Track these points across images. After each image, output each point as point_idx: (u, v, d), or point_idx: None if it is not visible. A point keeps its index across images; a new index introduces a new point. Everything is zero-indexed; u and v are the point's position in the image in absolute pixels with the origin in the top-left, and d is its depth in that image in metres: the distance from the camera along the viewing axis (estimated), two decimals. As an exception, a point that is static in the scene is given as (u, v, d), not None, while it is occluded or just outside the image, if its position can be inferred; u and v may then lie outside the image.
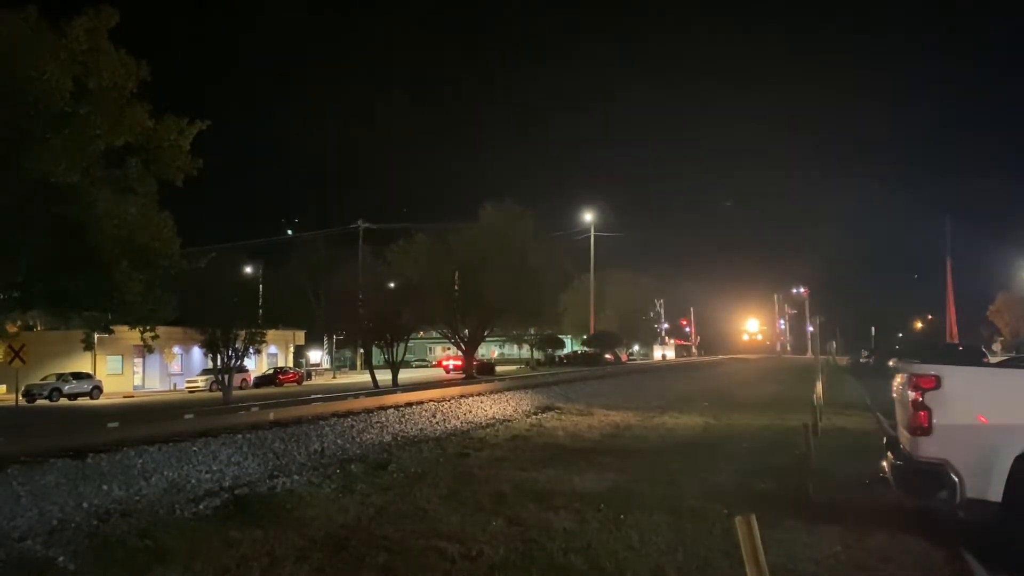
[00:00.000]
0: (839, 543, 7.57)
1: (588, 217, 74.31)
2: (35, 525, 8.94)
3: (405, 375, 43.94)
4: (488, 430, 18.46)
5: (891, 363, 10.02)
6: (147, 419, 19.14)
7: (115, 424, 16.46)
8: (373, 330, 41.76)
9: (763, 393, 30.34)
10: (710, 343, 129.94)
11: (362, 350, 54.24)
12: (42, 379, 42.79)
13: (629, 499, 9.91)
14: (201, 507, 10.17)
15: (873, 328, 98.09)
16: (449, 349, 66.32)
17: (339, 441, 15.47)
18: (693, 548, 7.52)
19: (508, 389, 27.10)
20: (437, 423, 18.83)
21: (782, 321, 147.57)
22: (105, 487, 10.59)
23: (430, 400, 21.89)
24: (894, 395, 8.96)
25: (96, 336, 30.53)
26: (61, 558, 7.75)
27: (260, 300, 45.38)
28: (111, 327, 27.95)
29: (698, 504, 9.39)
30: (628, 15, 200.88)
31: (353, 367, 74.17)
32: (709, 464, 12.73)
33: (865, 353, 61.81)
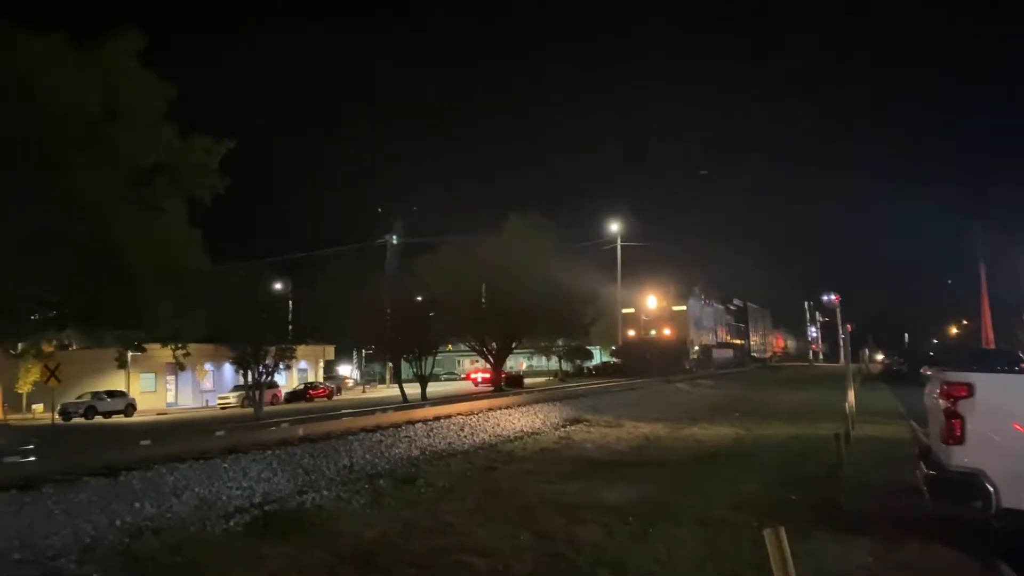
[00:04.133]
0: (870, 554, 7.45)
1: (614, 227, 74.10)
2: (69, 543, 9.05)
3: (434, 388, 44.04)
4: (516, 443, 18.43)
5: (923, 370, 9.89)
6: (179, 436, 19.31)
7: (147, 442, 16.61)
8: (401, 344, 41.84)
9: (794, 402, 29.99)
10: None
11: (391, 364, 54.40)
12: (77, 397, 43.34)
13: (658, 511, 9.84)
14: (231, 523, 10.25)
15: (907, 334, 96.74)
16: (477, 362, 66.28)
17: (368, 456, 15.51)
18: (722, 561, 7.45)
19: (536, 402, 27.03)
20: (465, 437, 18.83)
21: (814, 329, 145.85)
22: (137, 504, 10.69)
23: (458, 414, 21.89)
24: (927, 403, 8.83)
25: (129, 354, 31.00)
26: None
27: (290, 316, 45.73)
28: (143, 345, 28.33)
29: (727, 516, 9.30)
30: (640, 16, 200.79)
31: (382, 381, 74.44)
32: (738, 475, 12.60)
33: (899, 360, 60.92)
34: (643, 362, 59.56)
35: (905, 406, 24.17)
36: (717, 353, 79.09)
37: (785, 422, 21.71)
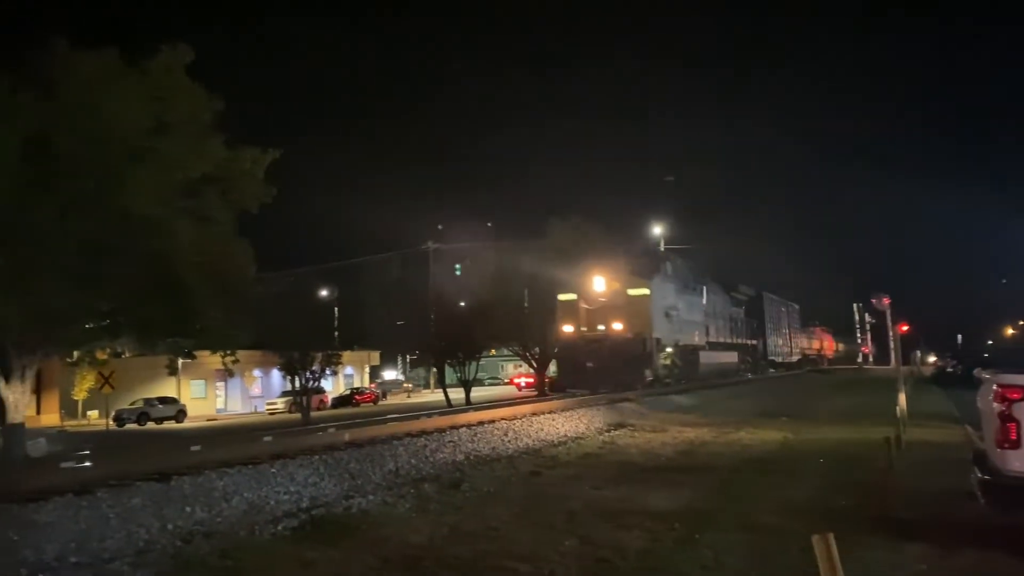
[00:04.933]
0: (923, 561, 7.29)
1: (657, 230, 73.65)
2: (123, 547, 9.27)
3: (478, 393, 44.24)
4: (560, 448, 18.40)
5: (977, 372, 9.66)
6: (228, 441, 19.66)
7: (197, 447, 16.95)
8: (445, 349, 42.12)
9: (844, 406, 29.49)
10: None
11: (435, 369, 54.78)
12: (131, 404, 44.49)
13: (703, 517, 9.75)
14: (279, 528, 10.40)
15: (960, 335, 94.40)
16: (521, 366, 66.26)
17: (413, 460, 15.62)
18: (769, 567, 7.36)
19: (580, 406, 26.94)
20: (509, 441, 18.85)
21: (863, 331, 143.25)
22: (188, 509, 10.91)
23: (502, 418, 21.93)
24: (981, 406, 8.63)
25: (180, 361, 31.73)
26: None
27: (336, 322, 46.32)
28: (193, 352, 28.87)
29: (775, 521, 9.17)
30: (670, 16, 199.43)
31: (427, 386, 75.01)
32: (786, 480, 12.43)
33: (952, 362, 59.53)
34: (583, 372, 40.70)
35: (959, 409, 23.61)
36: (707, 357, 53.09)
37: (834, 426, 21.35)
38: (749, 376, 59.05)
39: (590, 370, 40.08)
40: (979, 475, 7.72)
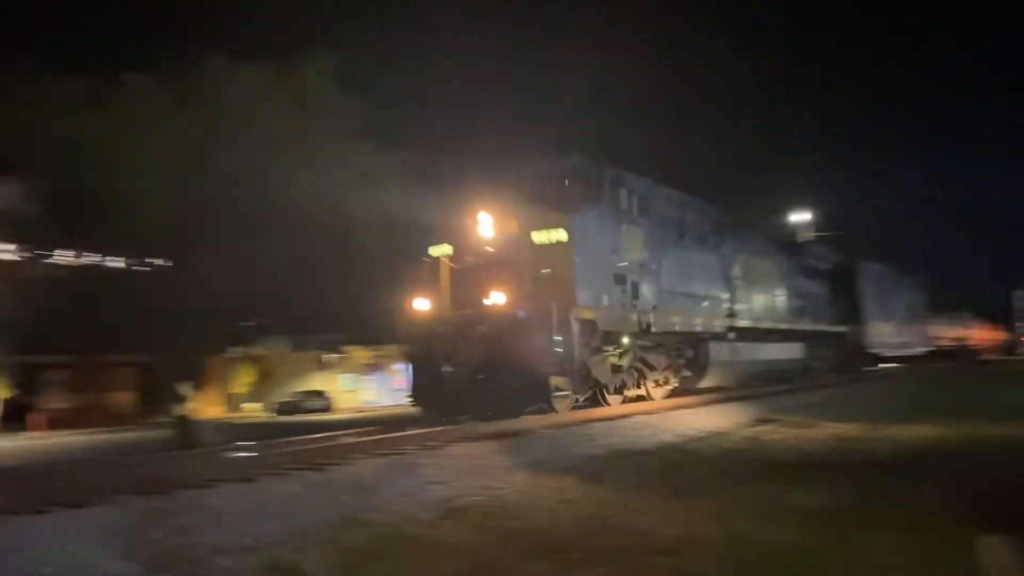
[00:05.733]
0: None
1: (793, 217, 70.91)
2: (285, 532, 9.82)
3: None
4: (701, 443, 18.09)
5: None
6: (375, 432, 20.41)
7: (349, 438, 17.67)
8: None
9: (1005, 400, 27.46)
10: None
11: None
12: (286, 396, 47.58)
13: (856, 515, 9.38)
14: (427, 516, 10.74)
15: None
16: (658, 358, 64.70)
17: (552, 452, 15.72)
18: (932, 570, 7.00)
19: (720, 401, 26.32)
20: (648, 436, 18.65)
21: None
22: (341, 497, 11.41)
23: (639, 412, 21.72)
24: None
25: (331, 356, 33.43)
26: (308, 565, 8.50)
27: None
28: (342, 348, 30.30)
29: (935, 522, 8.70)
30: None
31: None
32: (948, 479, 11.74)
33: None
34: (438, 382, 19.72)
35: None
36: (727, 350, 28.14)
37: (996, 421, 19.93)
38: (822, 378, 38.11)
39: (449, 379, 20.13)
40: None
